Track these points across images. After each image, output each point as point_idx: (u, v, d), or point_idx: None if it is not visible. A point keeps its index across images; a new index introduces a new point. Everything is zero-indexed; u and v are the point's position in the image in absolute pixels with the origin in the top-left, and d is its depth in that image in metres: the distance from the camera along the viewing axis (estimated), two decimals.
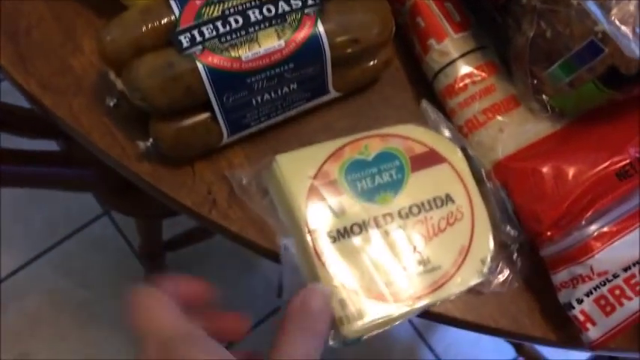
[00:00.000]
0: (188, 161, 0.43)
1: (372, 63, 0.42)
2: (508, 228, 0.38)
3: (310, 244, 0.35)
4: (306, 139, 0.45)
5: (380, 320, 0.35)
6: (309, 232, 0.35)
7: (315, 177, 0.36)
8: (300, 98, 0.42)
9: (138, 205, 0.77)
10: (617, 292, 0.38)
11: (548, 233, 0.40)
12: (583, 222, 0.39)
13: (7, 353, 1.06)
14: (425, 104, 0.40)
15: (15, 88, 0.44)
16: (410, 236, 0.36)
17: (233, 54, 0.37)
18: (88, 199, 1.14)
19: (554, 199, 0.39)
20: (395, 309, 0.35)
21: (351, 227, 0.35)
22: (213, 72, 0.37)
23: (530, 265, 0.41)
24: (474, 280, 0.37)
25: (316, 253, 0.35)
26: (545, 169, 0.40)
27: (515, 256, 0.39)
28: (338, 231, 0.35)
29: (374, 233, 0.35)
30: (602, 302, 0.39)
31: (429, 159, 0.38)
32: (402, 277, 0.35)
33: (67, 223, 1.14)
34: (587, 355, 0.98)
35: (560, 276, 0.40)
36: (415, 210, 0.36)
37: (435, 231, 0.36)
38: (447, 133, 0.40)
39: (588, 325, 0.39)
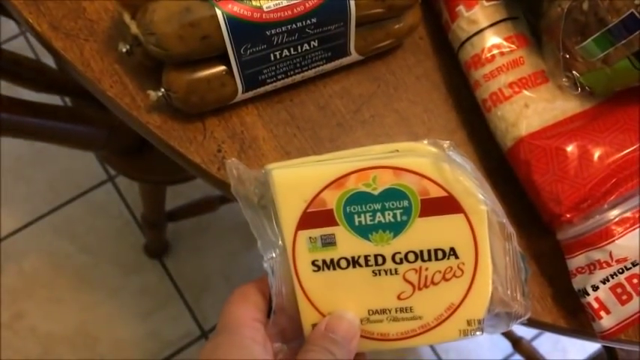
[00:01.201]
0: (199, 116, 0.41)
1: (396, 26, 0.41)
2: (517, 294, 0.34)
3: (293, 269, 0.33)
4: (323, 102, 0.43)
5: None
6: (294, 257, 0.33)
7: (310, 203, 0.33)
8: (320, 58, 0.40)
9: (144, 169, 0.76)
10: (635, 280, 0.37)
11: (568, 215, 0.38)
12: (605, 206, 0.37)
13: (2, 312, 1.05)
14: (452, 147, 0.34)
15: (25, 28, 0.43)
16: (398, 283, 0.33)
17: (254, 3, 0.36)
18: (92, 163, 1.14)
19: (577, 180, 0.38)
20: (362, 344, 0.34)
21: (339, 260, 0.33)
22: (233, 20, 0.36)
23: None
24: (453, 338, 0.34)
25: (298, 278, 0.33)
26: (569, 149, 0.38)
27: (512, 321, 0.34)
28: (324, 261, 0.33)
29: (361, 271, 0.33)
30: (619, 290, 0.37)
31: (444, 206, 0.33)
32: (380, 318, 0.34)
33: (70, 187, 1.13)
34: (584, 355, 0.97)
35: (577, 261, 0.38)
36: (411, 257, 0.33)
37: (426, 283, 0.33)
38: (473, 183, 0.33)
39: (602, 313, 0.38)
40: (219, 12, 0.35)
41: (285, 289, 0.33)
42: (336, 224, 0.33)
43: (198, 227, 1.10)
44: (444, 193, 0.33)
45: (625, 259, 0.37)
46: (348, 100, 0.43)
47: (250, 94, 0.40)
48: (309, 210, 0.33)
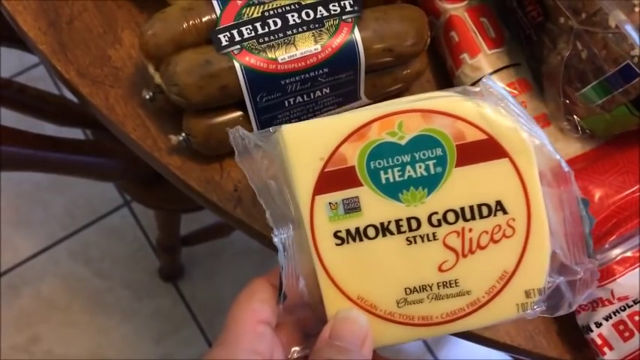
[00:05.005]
0: (217, 158, 0.44)
1: (404, 72, 0.43)
2: (577, 253, 0.28)
3: (312, 244, 0.28)
4: None
5: (383, 344, 0.29)
6: (312, 228, 0.28)
7: (328, 160, 0.28)
8: (332, 103, 0.42)
9: (160, 198, 0.78)
10: (637, 318, 0.38)
11: None
12: (606, 245, 0.39)
13: (18, 335, 1.07)
14: (486, 79, 0.29)
15: (54, 75, 0.46)
16: (438, 251, 0.28)
17: (270, 55, 0.38)
18: (109, 189, 1.16)
19: None
20: (403, 334, 0.29)
21: (365, 229, 0.28)
22: (250, 72, 0.38)
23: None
24: (511, 316, 0.29)
25: (318, 255, 0.28)
26: None
27: (577, 296, 0.29)
28: (348, 232, 0.28)
29: (393, 240, 0.28)
30: (621, 327, 0.38)
31: (484, 150, 0.27)
32: (419, 298, 0.28)
33: (87, 212, 1.15)
34: None
35: None
36: (451, 217, 0.28)
37: (471, 248, 0.28)
38: (516, 118, 0.27)
39: (605, 349, 0.39)
40: (237, 64, 0.38)
41: (303, 270, 0.29)
42: (360, 184, 0.28)
43: (212, 252, 1.12)
44: (482, 135, 0.28)
45: (626, 297, 0.38)
46: None
47: None
48: (327, 169, 0.28)
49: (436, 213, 0.28)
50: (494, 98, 0.28)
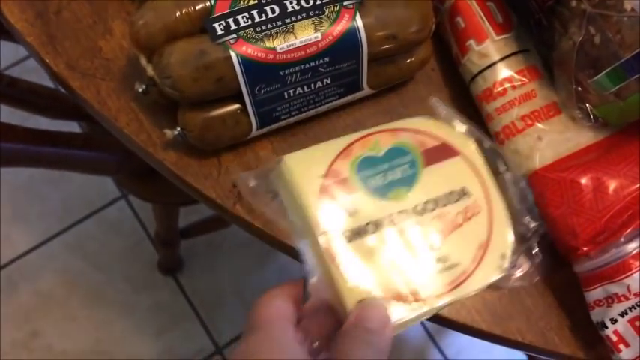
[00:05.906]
0: (214, 153, 0.42)
1: (408, 60, 0.41)
2: (527, 219, 0.36)
3: (323, 245, 0.33)
4: (336, 135, 0.43)
5: (400, 321, 0.33)
6: (322, 233, 0.33)
7: (325, 176, 0.34)
8: (333, 94, 0.40)
9: (158, 192, 0.77)
10: None
11: (585, 249, 0.38)
12: (622, 239, 0.37)
13: (17, 331, 1.06)
14: (434, 101, 0.38)
15: (42, 68, 0.44)
16: (427, 233, 0.34)
17: (268, 44, 0.36)
18: (106, 181, 1.15)
19: (593, 213, 0.38)
20: (415, 308, 0.33)
21: (366, 226, 0.34)
22: (247, 62, 0.36)
23: (551, 259, 0.38)
24: (495, 276, 0.35)
25: (330, 254, 0.33)
26: (584, 181, 0.38)
27: (535, 249, 0.36)
28: (352, 231, 0.33)
29: (389, 231, 0.34)
30: (637, 323, 0.37)
31: (442, 152, 0.36)
32: (421, 276, 0.34)
33: (84, 205, 1.14)
34: None
35: (594, 294, 0.38)
36: (430, 206, 0.35)
37: (452, 227, 0.35)
38: (459, 126, 0.37)
39: (621, 346, 0.38)
40: (233, 54, 0.36)
41: (322, 272, 0.33)
42: (354, 191, 0.34)
43: (212, 244, 1.11)
44: (438, 142, 0.36)
45: None
46: None
47: (265, 130, 0.41)
48: (326, 183, 0.34)
49: (418, 204, 0.35)
50: (442, 113, 0.37)
